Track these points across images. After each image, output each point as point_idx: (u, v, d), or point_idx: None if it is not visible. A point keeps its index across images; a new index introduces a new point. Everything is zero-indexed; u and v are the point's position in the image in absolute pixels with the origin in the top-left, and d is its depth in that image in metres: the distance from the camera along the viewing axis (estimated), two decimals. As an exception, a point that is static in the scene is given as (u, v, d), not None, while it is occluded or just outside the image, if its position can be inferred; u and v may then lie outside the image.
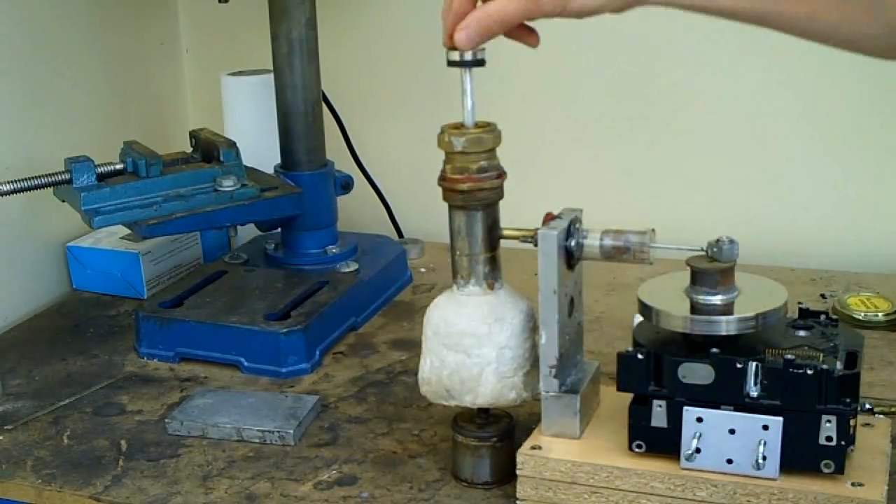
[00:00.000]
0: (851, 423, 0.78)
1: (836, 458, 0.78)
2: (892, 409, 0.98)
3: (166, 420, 1.04)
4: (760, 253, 1.33)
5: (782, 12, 0.77)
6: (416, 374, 0.91)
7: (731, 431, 0.80)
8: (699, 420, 0.80)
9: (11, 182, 1.13)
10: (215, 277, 1.29)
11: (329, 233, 1.33)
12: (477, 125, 0.84)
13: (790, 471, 0.79)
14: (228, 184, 1.18)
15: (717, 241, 0.81)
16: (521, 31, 0.83)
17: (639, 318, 0.86)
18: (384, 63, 1.55)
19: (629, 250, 0.84)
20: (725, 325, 0.80)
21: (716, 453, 0.80)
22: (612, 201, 1.44)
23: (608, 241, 0.85)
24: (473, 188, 0.84)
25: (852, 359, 0.80)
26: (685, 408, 0.80)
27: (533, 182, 1.30)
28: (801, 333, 0.83)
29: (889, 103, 1.35)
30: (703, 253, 0.82)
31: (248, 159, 1.24)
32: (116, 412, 1.08)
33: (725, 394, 0.79)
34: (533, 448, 0.86)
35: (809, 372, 0.77)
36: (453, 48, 0.80)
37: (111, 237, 1.39)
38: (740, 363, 0.78)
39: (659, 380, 0.81)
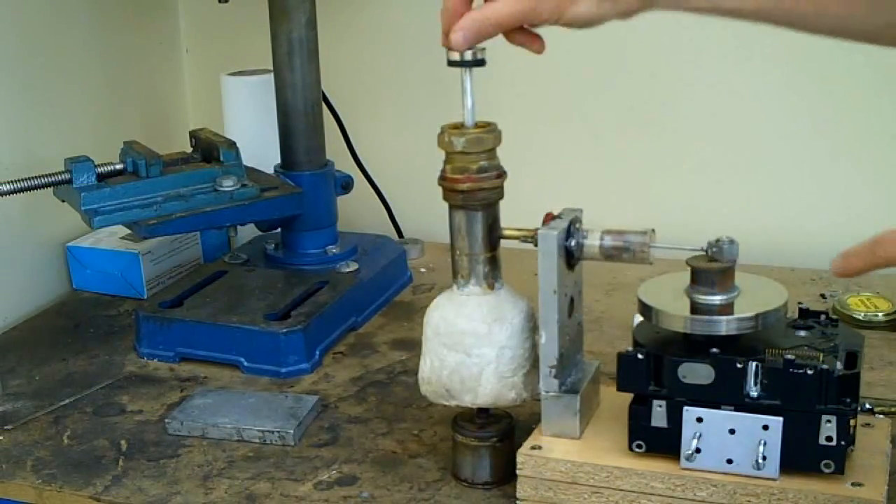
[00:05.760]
0: (851, 423, 0.78)
1: (836, 458, 0.78)
2: (892, 409, 0.98)
3: (166, 420, 1.04)
4: (760, 253, 1.33)
5: (790, 9, 0.77)
6: (416, 374, 0.91)
7: (731, 431, 0.80)
8: (699, 420, 0.80)
9: (11, 182, 1.13)
10: (215, 277, 1.29)
11: (329, 233, 1.33)
12: (477, 125, 0.84)
13: (790, 471, 0.79)
14: (228, 184, 1.18)
15: (718, 240, 0.81)
16: (525, 37, 0.81)
17: (639, 318, 0.86)
18: (384, 63, 1.55)
19: (629, 250, 0.84)
20: (725, 325, 0.80)
21: (716, 453, 0.80)
22: (612, 201, 1.44)
23: (608, 241, 0.85)
24: (473, 188, 0.84)
25: (852, 359, 0.80)
26: (685, 408, 0.80)
27: (533, 182, 1.29)
28: (801, 333, 0.83)
29: (890, 103, 1.34)
30: (703, 253, 0.82)
31: (248, 159, 1.24)
32: (116, 412, 1.08)
33: (725, 394, 0.79)
34: (533, 448, 0.86)
35: (809, 372, 0.77)
36: (451, 48, 0.80)
37: (111, 237, 1.39)
38: (740, 363, 0.78)
39: (659, 380, 0.81)
